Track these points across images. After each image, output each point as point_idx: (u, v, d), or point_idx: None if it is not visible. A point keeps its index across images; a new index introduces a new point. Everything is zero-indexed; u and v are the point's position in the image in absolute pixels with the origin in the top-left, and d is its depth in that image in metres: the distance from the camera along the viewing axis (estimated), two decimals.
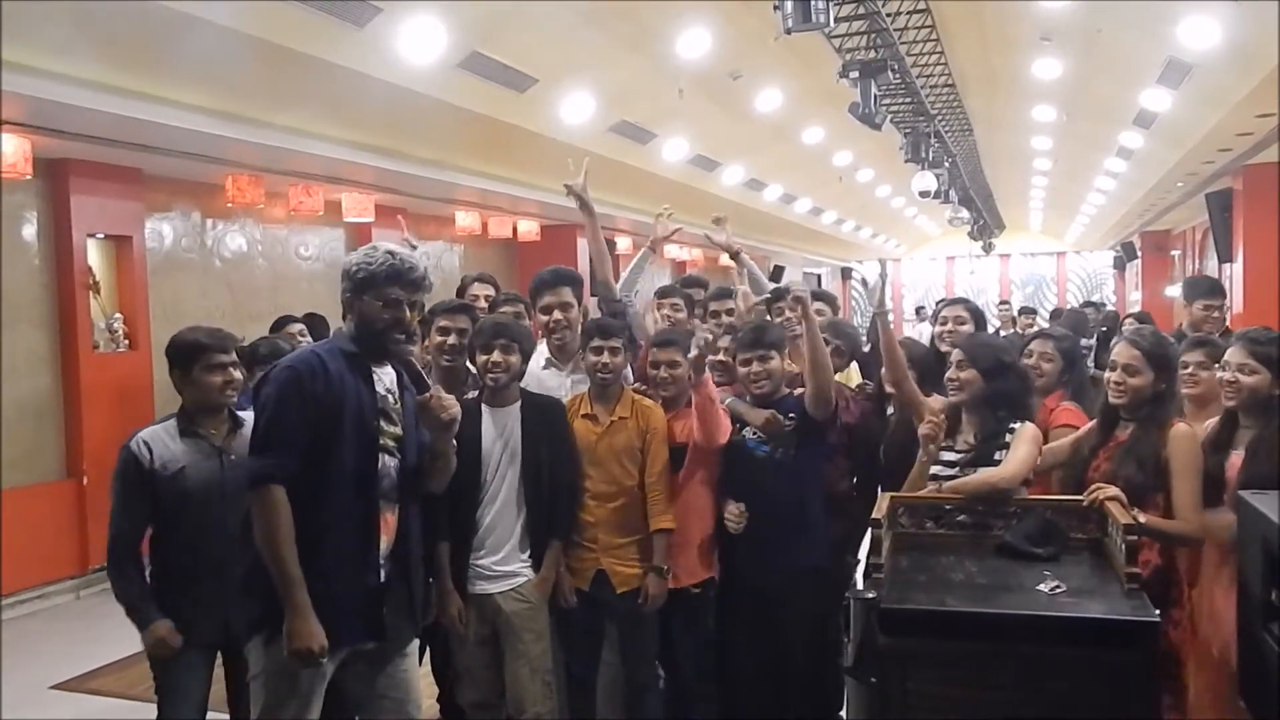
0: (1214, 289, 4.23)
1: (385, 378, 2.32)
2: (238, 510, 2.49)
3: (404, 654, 2.36)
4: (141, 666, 2.84)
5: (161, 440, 2.60)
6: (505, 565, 2.81)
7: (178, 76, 4.92)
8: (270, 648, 2.16)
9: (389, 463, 2.27)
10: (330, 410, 2.17)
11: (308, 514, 2.13)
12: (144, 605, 2.55)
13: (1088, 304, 12.38)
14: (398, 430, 2.30)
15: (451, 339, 3.06)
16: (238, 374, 2.69)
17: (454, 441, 2.40)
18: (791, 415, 2.95)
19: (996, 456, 2.59)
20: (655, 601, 2.89)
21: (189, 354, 2.65)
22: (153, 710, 2.66)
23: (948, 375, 2.76)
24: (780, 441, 2.93)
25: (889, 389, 3.20)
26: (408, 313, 2.26)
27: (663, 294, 3.82)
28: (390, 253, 2.27)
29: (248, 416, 2.66)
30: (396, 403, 2.32)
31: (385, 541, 2.26)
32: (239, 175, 6.41)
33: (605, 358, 2.91)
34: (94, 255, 5.99)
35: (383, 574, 2.24)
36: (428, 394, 2.29)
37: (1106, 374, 2.67)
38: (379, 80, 5.41)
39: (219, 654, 2.66)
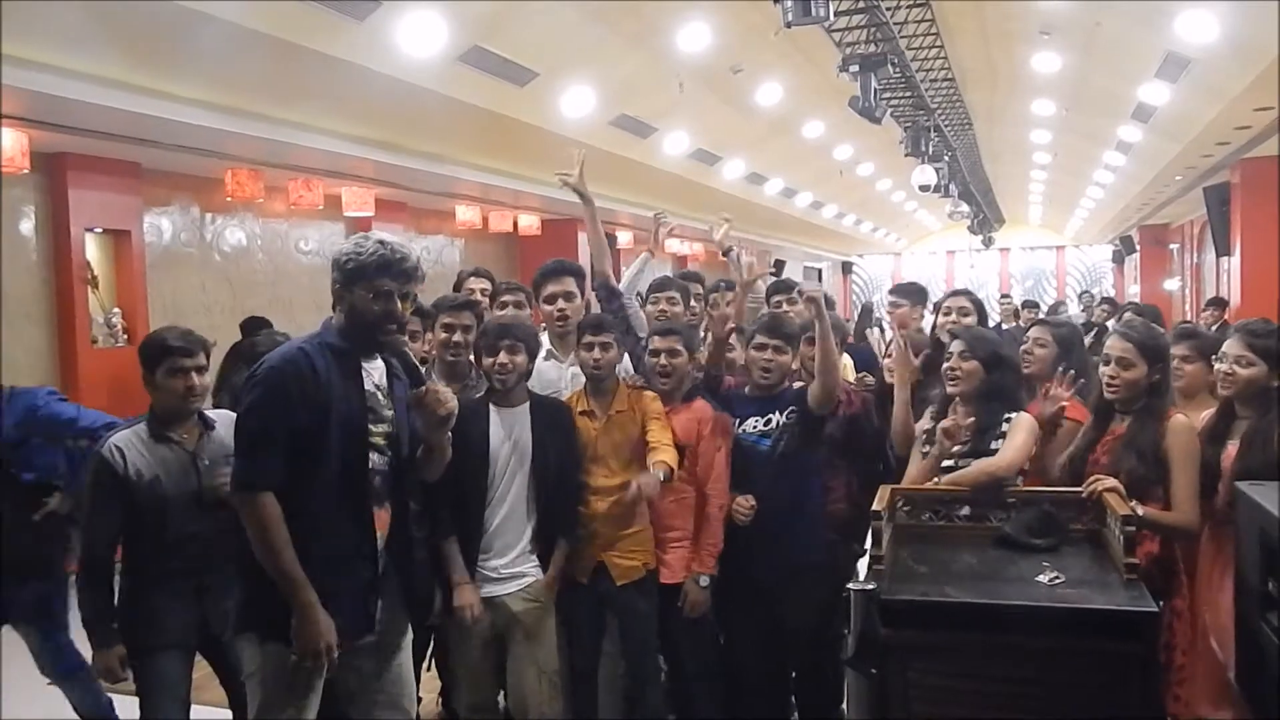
0: (901, 290, 4.11)
1: (374, 372, 2.25)
2: (213, 514, 2.49)
3: (399, 648, 2.32)
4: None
5: (134, 446, 2.53)
6: (514, 567, 2.80)
7: (176, 70, 4.92)
8: (266, 646, 2.12)
9: (378, 460, 2.21)
10: (318, 411, 2.10)
11: (300, 516, 2.09)
12: (104, 626, 2.52)
13: (1084, 294, 12.43)
14: (387, 427, 2.24)
15: (456, 336, 3.08)
16: (202, 379, 2.60)
17: (450, 435, 2.33)
18: (793, 410, 2.97)
19: (993, 446, 2.64)
20: (649, 490, 2.69)
21: (154, 356, 2.58)
22: None
23: (949, 365, 2.78)
24: (778, 433, 2.94)
25: (893, 384, 3.22)
26: (399, 304, 2.18)
27: (657, 288, 3.80)
28: (381, 242, 2.19)
29: (220, 416, 2.65)
30: (386, 397, 2.26)
31: (379, 538, 2.22)
32: (238, 169, 6.39)
33: (596, 353, 2.90)
34: (92, 250, 5.99)
35: (379, 568, 2.21)
36: (423, 388, 2.21)
37: (1100, 368, 2.68)
38: (379, 74, 5.40)
39: (198, 654, 2.65)
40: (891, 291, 4.31)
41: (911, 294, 4.02)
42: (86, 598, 2.51)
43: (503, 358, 2.78)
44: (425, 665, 3.28)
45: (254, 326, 5.25)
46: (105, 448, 2.52)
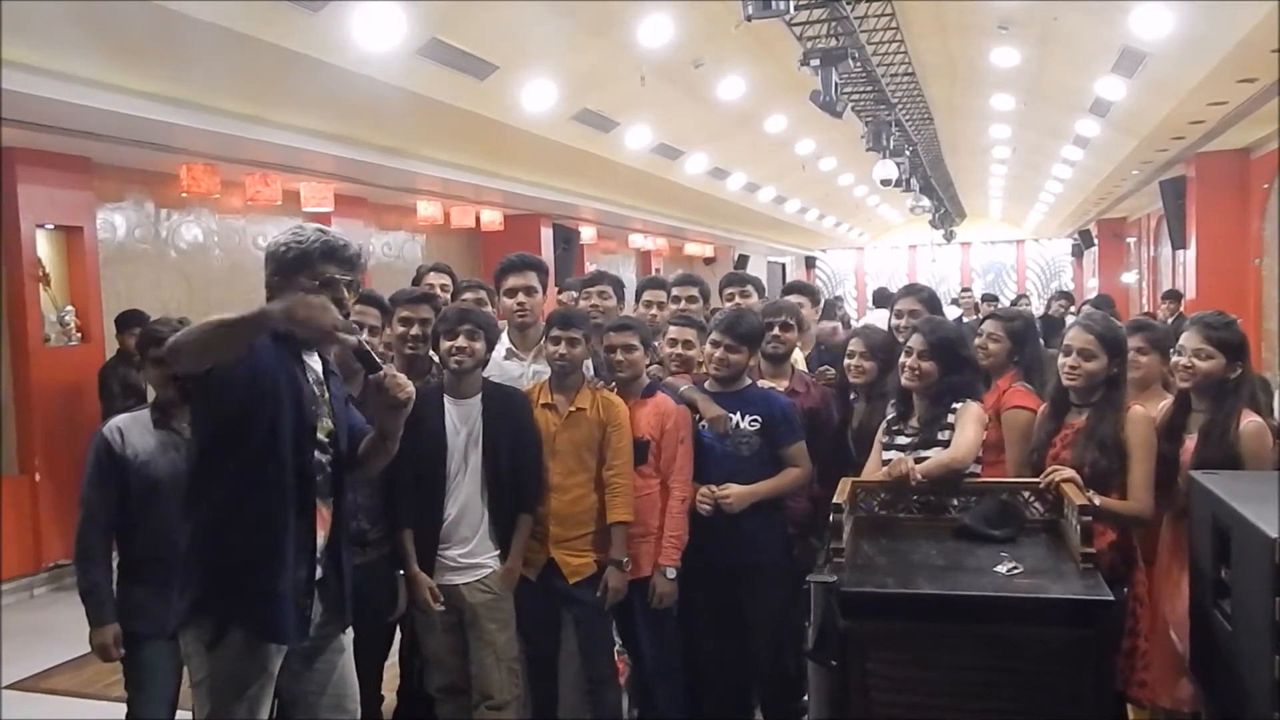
0: (594, 279, 3.97)
1: (314, 367, 2.18)
2: None
3: (340, 649, 2.26)
4: (97, 664, 2.80)
5: (135, 429, 2.62)
6: (472, 557, 2.82)
7: (129, 62, 4.79)
8: (214, 652, 2.04)
9: (321, 458, 2.15)
10: (263, 399, 2.01)
11: (244, 511, 2.03)
12: (103, 601, 2.57)
13: (1020, 298, 12.64)
14: (329, 422, 2.18)
15: (414, 329, 3.05)
16: None
17: (402, 425, 2.23)
18: (755, 418, 2.97)
19: (942, 436, 2.66)
20: (616, 595, 2.88)
21: (144, 346, 2.71)
22: (109, 708, 2.65)
23: (908, 363, 2.75)
24: (738, 438, 2.96)
25: (853, 379, 3.23)
26: (345, 293, 2.10)
27: (589, 283, 3.77)
28: (321, 230, 2.13)
29: None
30: (325, 393, 2.20)
31: (321, 536, 2.16)
32: (194, 164, 6.26)
33: (563, 348, 2.90)
34: (43, 247, 5.84)
35: (317, 569, 2.14)
36: (381, 372, 2.10)
37: (1060, 358, 2.70)
38: (336, 67, 5.31)
39: None
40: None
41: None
42: (85, 573, 2.57)
43: (461, 341, 2.78)
44: (391, 658, 3.25)
45: (130, 321, 5.31)
46: (107, 427, 2.62)
